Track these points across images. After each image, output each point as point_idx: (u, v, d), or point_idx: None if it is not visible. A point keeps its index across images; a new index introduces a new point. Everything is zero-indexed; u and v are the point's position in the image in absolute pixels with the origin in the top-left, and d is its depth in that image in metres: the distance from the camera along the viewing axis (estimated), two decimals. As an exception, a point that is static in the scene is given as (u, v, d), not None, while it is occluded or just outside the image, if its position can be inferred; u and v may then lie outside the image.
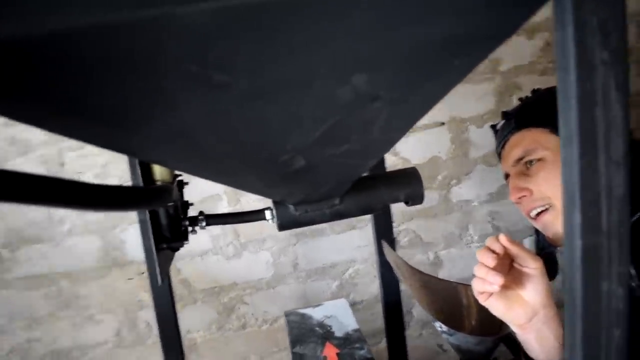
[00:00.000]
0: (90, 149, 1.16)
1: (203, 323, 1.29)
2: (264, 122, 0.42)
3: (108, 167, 1.18)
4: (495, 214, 1.30)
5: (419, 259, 1.30)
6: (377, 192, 0.69)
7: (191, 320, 1.28)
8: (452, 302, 0.81)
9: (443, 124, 1.23)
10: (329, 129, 0.45)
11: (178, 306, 1.23)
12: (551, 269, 1.00)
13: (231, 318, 1.29)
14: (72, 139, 0.36)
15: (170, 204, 0.65)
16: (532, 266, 0.66)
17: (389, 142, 0.54)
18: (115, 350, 1.28)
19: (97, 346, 1.28)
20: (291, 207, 0.68)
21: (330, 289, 1.29)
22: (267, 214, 0.70)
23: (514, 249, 0.67)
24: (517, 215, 1.31)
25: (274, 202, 0.69)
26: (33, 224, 1.20)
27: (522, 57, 1.23)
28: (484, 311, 0.73)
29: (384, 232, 1.00)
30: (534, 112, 0.91)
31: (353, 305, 1.31)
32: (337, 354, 0.68)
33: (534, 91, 0.97)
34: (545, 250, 1.00)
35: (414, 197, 0.71)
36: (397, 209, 1.25)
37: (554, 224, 0.86)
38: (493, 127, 0.99)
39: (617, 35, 0.26)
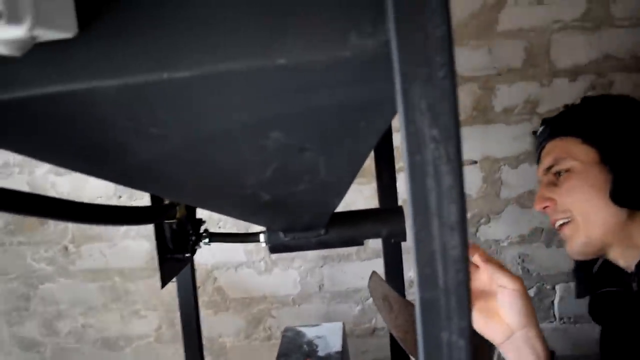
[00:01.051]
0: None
1: (233, 330, 1.38)
2: (214, 164, 0.51)
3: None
4: (526, 257, 1.29)
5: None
6: (359, 226, 0.75)
7: (223, 326, 1.38)
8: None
9: (475, 162, 1.24)
10: (276, 171, 0.52)
11: (211, 311, 1.34)
12: (585, 286, 0.96)
13: (258, 329, 1.38)
14: (67, 169, 0.47)
15: (169, 220, 0.74)
16: (509, 287, 0.65)
17: (343, 184, 0.60)
18: (155, 344, 1.41)
19: (140, 338, 1.41)
20: (281, 233, 0.75)
21: (353, 312, 1.34)
22: (261, 237, 0.77)
23: (489, 268, 0.67)
24: (549, 260, 1.29)
25: (267, 228, 0.76)
26: (96, 223, 1.36)
27: (563, 99, 1.22)
28: (477, 349, 0.75)
29: (394, 264, 1.04)
30: (568, 120, 0.89)
31: (374, 331, 1.35)
32: (311, 372, 0.74)
33: (583, 99, 0.94)
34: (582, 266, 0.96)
35: (396, 234, 0.75)
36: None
37: (572, 238, 0.84)
38: (534, 133, 0.98)
39: (447, 116, 0.30)
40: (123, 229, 1.35)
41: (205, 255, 1.32)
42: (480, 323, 0.67)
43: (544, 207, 0.87)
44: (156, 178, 0.52)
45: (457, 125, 0.30)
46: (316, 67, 0.33)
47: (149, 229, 1.35)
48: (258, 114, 0.40)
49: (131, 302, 1.39)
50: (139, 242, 1.36)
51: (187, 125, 0.41)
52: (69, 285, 1.41)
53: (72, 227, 1.37)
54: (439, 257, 0.32)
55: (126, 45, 0.31)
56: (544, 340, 0.67)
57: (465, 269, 0.32)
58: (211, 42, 0.31)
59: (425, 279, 0.32)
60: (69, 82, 0.32)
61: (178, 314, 1.36)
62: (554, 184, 0.86)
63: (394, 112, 0.41)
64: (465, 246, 0.32)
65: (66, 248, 1.39)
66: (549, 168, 0.87)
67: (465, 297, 0.32)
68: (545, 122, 0.94)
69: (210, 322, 1.36)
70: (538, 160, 0.94)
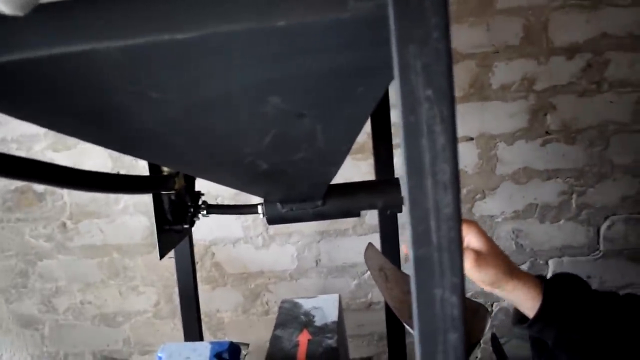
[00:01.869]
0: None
1: (231, 305, 1.40)
2: (212, 131, 0.51)
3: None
4: (520, 232, 1.30)
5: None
6: (356, 197, 0.76)
7: (221, 301, 1.40)
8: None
9: (472, 139, 1.25)
10: (274, 138, 0.53)
11: (209, 287, 1.35)
12: None
13: (256, 303, 1.39)
14: (69, 135, 0.47)
15: (168, 191, 0.75)
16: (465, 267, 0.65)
17: (340, 152, 0.61)
18: (154, 319, 1.43)
19: (139, 314, 1.43)
20: (278, 204, 0.76)
21: (349, 287, 1.36)
22: (259, 208, 0.78)
23: None
24: (543, 235, 1.30)
25: (265, 199, 0.77)
26: (93, 200, 1.37)
27: (560, 77, 1.23)
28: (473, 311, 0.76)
29: (390, 237, 1.05)
30: None
31: (370, 305, 1.37)
32: (309, 340, 0.76)
33: None
34: None
35: (392, 206, 0.76)
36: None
37: None
38: None
39: (441, 76, 0.30)
40: (121, 205, 1.36)
41: (203, 231, 1.33)
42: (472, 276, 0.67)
43: None
44: (155, 145, 0.53)
45: (451, 86, 0.30)
46: (315, 29, 0.33)
47: (146, 204, 1.36)
48: (257, 77, 0.40)
49: (129, 278, 1.41)
50: (136, 218, 1.37)
51: (187, 89, 0.41)
52: (67, 261, 1.42)
53: (70, 204, 1.38)
54: (433, 214, 0.32)
55: (128, 6, 0.32)
56: (528, 286, 0.66)
57: (458, 226, 0.33)
58: (212, 4, 0.32)
59: (419, 236, 0.32)
60: (71, 44, 0.33)
61: (176, 290, 1.38)
62: None
63: (391, 77, 0.41)
64: (457, 204, 0.32)
65: (64, 225, 1.39)
66: None
67: (457, 254, 0.32)
68: None
69: (208, 297, 1.37)
70: None
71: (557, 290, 0.67)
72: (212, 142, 0.53)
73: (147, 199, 1.34)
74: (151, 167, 0.75)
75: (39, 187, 1.38)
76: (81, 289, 1.43)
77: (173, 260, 1.38)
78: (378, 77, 0.41)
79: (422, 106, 0.31)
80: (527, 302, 0.67)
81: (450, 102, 0.31)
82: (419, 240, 0.33)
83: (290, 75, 0.41)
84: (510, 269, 0.68)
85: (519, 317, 0.71)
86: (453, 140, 0.31)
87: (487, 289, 0.68)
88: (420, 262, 0.33)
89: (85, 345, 1.47)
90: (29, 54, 0.33)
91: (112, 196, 1.36)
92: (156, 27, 0.33)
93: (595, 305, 0.67)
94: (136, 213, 1.37)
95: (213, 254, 1.37)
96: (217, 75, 0.40)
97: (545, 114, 1.25)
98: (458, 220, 0.33)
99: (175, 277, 1.37)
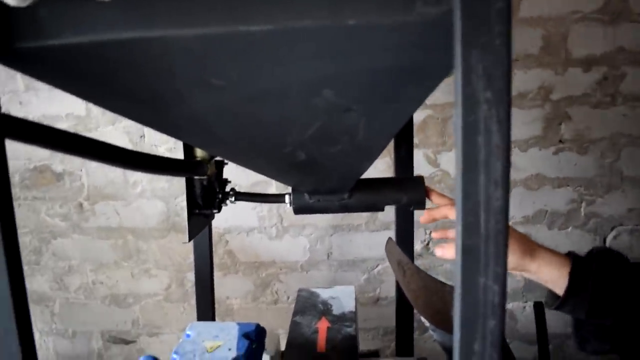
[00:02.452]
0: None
1: (241, 292, 1.43)
2: (262, 119, 0.54)
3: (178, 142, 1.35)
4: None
5: (447, 267, 1.36)
6: (382, 193, 0.79)
7: (231, 288, 1.43)
8: (451, 306, 0.87)
9: (487, 143, 1.28)
10: (318, 130, 0.55)
11: (221, 273, 1.38)
12: None
13: (266, 292, 1.42)
14: (123, 116, 0.50)
15: (200, 177, 0.77)
16: None
17: (377, 147, 0.63)
18: (164, 302, 1.46)
19: (149, 296, 1.46)
20: (306, 195, 0.79)
21: (359, 281, 1.39)
22: (286, 198, 0.81)
23: None
24: (551, 241, 1.33)
25: (292, 189, 0.80)
26: (111, 183, 1.39)
27: (576, 88, 1.26)
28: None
29: (405, 234, 1.08)
30: None
31: (377, 300, 1.40)
32: (327, 328, 0.78)
33: None
34: None
35: (416, 203, 0.79)
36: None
37: None
38: None
39: (500, 79, 0.33)
40: (138, 189, 1.39)
41: (218, 218, 1.35)
42: None
43: None
44: (204, 130, 0.55)
45: (509, 89, 0.33)
46: (381, 29, 0.36)
47: (163, 189, 1.38)
48: (316, 71, 0.43)
49: (142, 261, 1.43)
50: (153, 203, 1.39)
51: (248, 78, 0.44)
52: (82, 241, 1.44)
53: (87, 185, 1.40)
54: (483, 207, 0.35)
55: (206, -3, 0.34)
56: (554, 266, 0.65)
57: (505, 220, 0.35)
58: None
59: (469, 227, 0.35)
60: (148, 29, 0.35)
61: (188, 274, 1.41)
62: None
63: (440, 78, 0.44)
64: (506, 199, 0.35)
65: (81, 205, 1.42)
66: None
67: (502, 245, 0.35)
68: None
69: (219, 284, 1.40)
70: None
71: (586, 271, 0.62)
72: (259, 130, 0.56)
73: (164, 184, 1.37)
74: (186, 152, 0.78)
75: (58, 167, 1.40)
76: (93, 269, 1.46)
77: (186, 245, 1.40)
78: (429, 78, 0.44)
79: (481, 107, 0.34)
80: (557, 281, 0.64)
81: (507, 104, 0.34)
82: (468, 231, 0.35)
83: (348, 71, 0.44)
84: (530, 249, 0.66)
85: (553, 298, 0.67)
86: (507, 140, 0.34)
87: (514, 273, 0.68)
88: (467, 250, 0.35)
89: (94, 324, 1.50)
90: (110, 36, 0.36)
91: (129, 180, 1.38)
92: (231, 18, 0.35)
93: (630, 286, 0.62)
94: (153, 197, 1.39)
95: (227, 241, 1.39)
96: (279, 67, 0.43)
97: (560, 123, 1.28)
98: (506, 214, 0.35)
99: (187, 262, 1.40)
